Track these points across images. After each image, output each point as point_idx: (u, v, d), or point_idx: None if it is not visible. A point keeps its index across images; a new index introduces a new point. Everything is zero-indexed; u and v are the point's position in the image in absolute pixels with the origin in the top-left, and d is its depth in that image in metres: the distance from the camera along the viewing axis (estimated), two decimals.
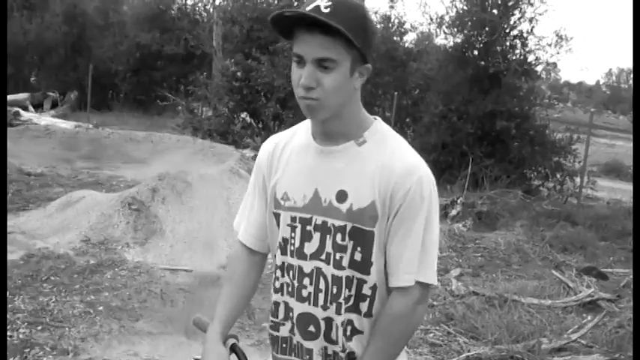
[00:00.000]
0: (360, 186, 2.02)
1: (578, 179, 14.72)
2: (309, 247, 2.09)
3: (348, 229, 2.03)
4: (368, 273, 2.05)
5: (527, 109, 16.10)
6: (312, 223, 2.08)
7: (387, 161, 2.01)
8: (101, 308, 6.02)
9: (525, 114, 15.94)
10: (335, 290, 2.06)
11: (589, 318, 6.84)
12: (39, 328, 5.49)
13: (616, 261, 9.79)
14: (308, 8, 1.88)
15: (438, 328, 6.46)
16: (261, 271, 2.36)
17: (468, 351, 5.81)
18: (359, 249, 2.03)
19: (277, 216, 2.16)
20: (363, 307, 2.08)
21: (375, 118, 2.12)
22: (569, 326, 6.54)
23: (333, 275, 2.06)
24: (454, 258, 9.17)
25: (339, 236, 2.04)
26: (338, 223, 2.04)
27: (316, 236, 2.08)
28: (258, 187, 2.26)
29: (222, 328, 2.19)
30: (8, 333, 5.31)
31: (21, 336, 5.30)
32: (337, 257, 2.05)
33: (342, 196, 2.04)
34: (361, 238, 2.03)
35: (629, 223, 11.53)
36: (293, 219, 2.11)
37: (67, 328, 5.54)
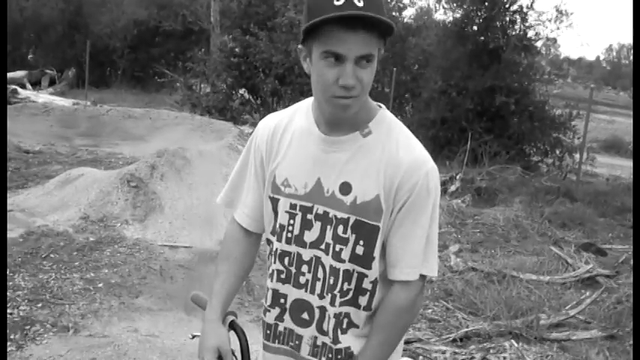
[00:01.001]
0: (364, 179, 1.99)
1: (577, 155, 14.71)
2: (309, 236, 2.07)
3: (351, 222, 2.00)
4: (369, 267, 2.04)
5: (526, 84, 16.08)
6: (313, 212, 2.06)
7: (394, 154, 1.99)
8: (101, 285, 6.03)
9: (525, 90, 15.92)
10: (332, 281, 2.05)
11: (587, 294, 6.86)
12: (39, 305, 5.50)
13: (615, 237, 9.81)
14: (339, 3, 1.80)
15: (436, 303, 6.49)
16: (257, 250, 2.35)
17: (467, 326, 5.83)
18: (361, 243, 2.01)
19: (275, 201, 2.13)
20: (363, 300, 2.07)
21: (380, 106, 2.09)
22: (568, 302, 6.56)
23: (331, 266, 2.04)
24: (453, 234, 9.18)
25: (340, 228, 2.02)
26: (340, 215, 2.01)
27: (317, 225, 2.06)
28: (255, 167, 2.22)
29: (221, 307, 2.19)
30: (8, 310, 5.32)
31: (21, 313, 5.31)
32: (337, 249, 2.03)
33: (346, 188, 2.01)
34: (364, 232, 2.00)
35: (628, 200, 11.54)
36: (293, 206, 2.09)
37: (67, 305, 5.56)
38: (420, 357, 5.23)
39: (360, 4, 1.79)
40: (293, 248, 2.10)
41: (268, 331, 2.19)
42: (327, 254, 2.04)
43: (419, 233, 2.00)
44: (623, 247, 9.08)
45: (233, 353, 2.11)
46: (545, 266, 7.76)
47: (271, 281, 2.17)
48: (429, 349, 5.40)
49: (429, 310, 6.31)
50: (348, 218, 2.00)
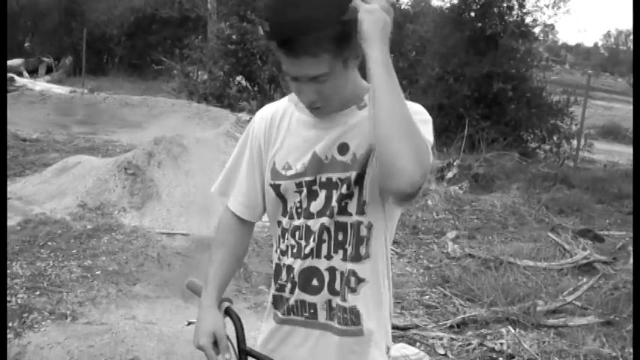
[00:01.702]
0: (360, 135, 2.02)
1: (574, 142, 14.72)
2: (315, 206, 2.10)
3: (353, 177, 2.03)
4: (363, 213, 2.06)
5: (524, 71, 16.07)
6: (317, 182, 2.09)
7: None
8: (98, 273, 6.04)
9: (522, 76, 15.91)
10: (341, 237, 2.08)
11: (584, 280, 6.88)
12: (37, 293, 5.51)
13: (612, 223, 9.82)
14: (278, 28, 1.83)
15: (434, 290, 6.50)
16: (250, 237, 2.38)
17: (464, 313, 5.84)
18: (358, 191, 2.04)
19: (277, 187, 2.15)
20: (362, 249, 2.09)
21: None
22: (565, 288, 6.58)
23: (337, 222, 2.07)
24: (450, 220, 9.19)
25: (344, 187, 2.05)
26: (344, 175, 2.04)
27: (322, 194, 2.09)
28: (251, 156, 2.24)
29: (216, 293, 2.21)
30: (7, 298, 5.33)
31: (19, 301, 5.32)
32: (342, 204, 2.06)
33: (343, 148, 2.04)
34: (361, 182, 2.03)
35: (625, 186, 11.56)
36: (298, 184, 2.11)
37: (64, 293, 5.56)
38: (417, 343, 5.25)
39: (295, 25, 1.80)
40: (301, 222, 2.12)
41: (281, 308, 2.21)
42: (332, 217, 2.07)
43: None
44: (620, 233, 9.09)
45: (228, 338, 2.12)
46: (542, 252, 7.78)
47: (286, 258, 2.18)
48: (426, 335, 5.42)
49: (426, 297, 6.33)
50: (350, 175, 2.03)
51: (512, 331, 5.52)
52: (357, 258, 2.10)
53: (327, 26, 1.81)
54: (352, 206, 2.06)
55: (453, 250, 7.62)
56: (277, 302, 2.24)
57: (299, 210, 2.13)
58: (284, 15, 1.82)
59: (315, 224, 2.10)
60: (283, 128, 2.16)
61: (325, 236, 2.09)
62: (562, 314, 6.02)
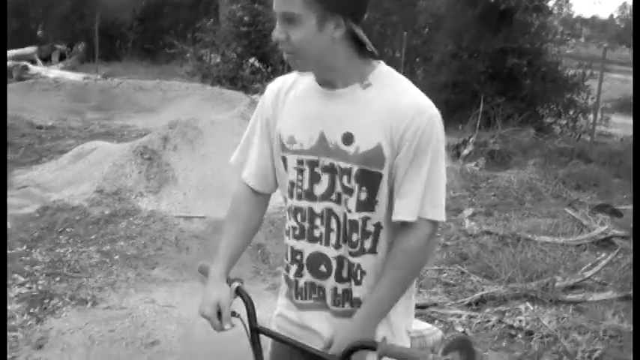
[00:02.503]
0: (366, 128, 2.03)
1: (591, 116, 14.60)
2: (319, 189, 2.11)
3: (354, 171, 2.04)
4: (372, 210, 2.07)
5: (538, 45, 15.95)
6: (320, 165, 2.10)
7: (395, 102, 2.02)
8: (117, 257, 6.08)
9: (537, 51, 15.79)
10: (348, 230, 2.09)
11: (603, 255, 6.84)
12: (57, 279, 5.56)
13: (630, 198, 9.73)
14: None
15: (451, 267, 6.49)
16: (264, 211, 2.39)
17: (482, 290, 5.84)
18: (364, 189, 2.05)
19: (285, 159, 2.17)
20: (367, 243, 2.10)
21: (378, 62, 2.10)
22: (583, 264, 6.54)
23: (345, 215, 2.09)
24: (467, 197, 9.17)
25: (345, 178, 2.06)
26: (344, 165, 2.05)
27: (325, 177, 2.10)
28: (262, 128, 2.26)
29: (225, 267, 2.24)
30: (27, 285, 5.38)
31: (40, 287, 5.37)
32: (345, 198, 2.07)
33: (348, 138, 2.05)
34: (368, 180, 2.04)
35: None
36: (300, 162, 2.13)
37: (84, 278, 5.61)
38: (436, 321, 5.25)
39: None
40: (304, 203, 2.14)
41: (291, 289, 2.24)
42: (339, 204, 2.09)
43: (421, 177, 2.02)
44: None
45: (239, 316, 2.16)
46: (559, 228, 7.74)
47: (288, 239, 2.22)
48: (445, 313, 5.43)
49: (444, 275, 6.32)
50: (351, 168, 2.05)
51: (531, 307, 5.51)
52: (361, 252, 2.11)
53: None
54: (352, 202, 2.07)
55: (470, 228, 7.61)
56: (287, 285, 2.27)
57: (299, 191, 2.14)
58: None
59: (318, 207, 2.12)
60: (289, 98, 2.18)
61: (334, 224, 2.11)
62: (581, 290, 5.99)
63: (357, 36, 2.01)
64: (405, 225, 2.06)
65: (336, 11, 1.95)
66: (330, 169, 2.08)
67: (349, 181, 2.05)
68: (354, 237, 2.09)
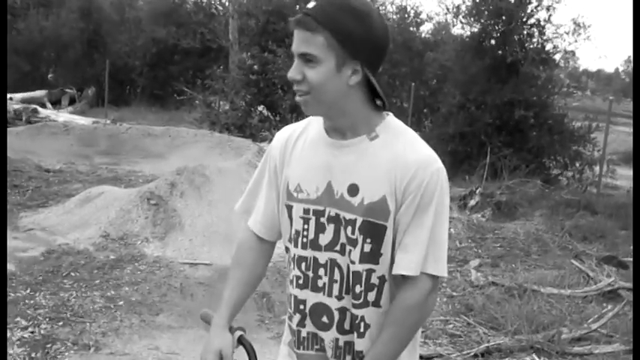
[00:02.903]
0: (371, 180, 2.03)
1: (597, 168, 14.62)
2: (324, 239, 2.11)
3: (358, 223, 2.04)
4: (377, 263, 2.07)
5: (545, 97, 16.04)
6: (326, 215, 2.10)
7: (401, 154, 2.02)
8: (121, 303, 6.06)
9: (544, 103, 15.87)
10: (351, 281, 2.09)
11: (609, 307, 6.80)
12: (60, 323, 5.53)
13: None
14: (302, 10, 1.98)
15: (457, 318, 6.45)
16: (269, 258, 2.38)
17: (488, 341, 5.79)
18: (369, 241, 2.05)
19: (290, 208, 2.17)
20: (371, 296, 2.09)
21: (387, 114, 2.12)
22: (590, 316, 6.51)
23: (348, 266, 2.08)
24: (473, 248, 9.15)
25: (349, 229, 2.06)
26: (349, 216, 2.05)
27: (330, 228, 2.10)
28: (269, 176, 2.26)
29: (229, 315, 2.23)
30: (30, 329, 5.35)
31: (42, 331, 5.34)
32: (348, 250, 2.07)
33: (353, 189, 2.05)
34: (372, 232, 2.04)
35: None
36: (306, 211, 2.13)
37: (88, 324, 5.59)
38: None
39: (310, 6, 1.95)
40: (309, 253, 2.13)
41: (294, 338, 2.23)
42: (343, 255, 2.09)
43: (424, 231, 2.02)
44: None
45: None
46: (566, 280, 7.70)
47: (292, 288, 2.21)
48: None
49: (450, 325, 6.28)
50: (356, 220, 2.04)
51: (537, 359, 5.46)
52: (365, 304, 2.10)
53: (338, 15, 1.94)
54: (355, 254, 2.06)
55: (476, 279, 7.57)
56: (290, 330, 2.26)
57: (304, 240, 2.14)
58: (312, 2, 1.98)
59: (322, 257, 2.12)
60: (298, 147, 2.18)
61: (337, 276, 2.11)
62: (587, 342, 5.94)
63: (371, 85, 2.02)
64: (405, 279, 2.05)
65: (355, 57, 1.96)
66: (336, 220, 2.08)
67: (353, 233, 2.05)
68: (358, 289, 2.08)
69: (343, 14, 1.92)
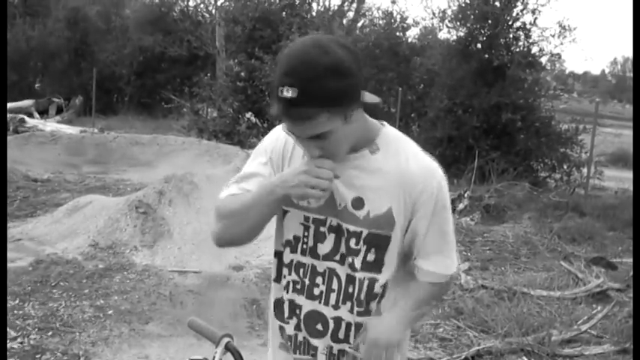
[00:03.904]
0: (376, 193, 2.05)
1: (585, 170, 14.68)
2: (323, 248, 2.11)
3: (363, 235, 2.06)
4: (379, 272, 2.10)
5: (532, 100, 16.08)
6: (327, 225, 2.10)
7: (404, 167, 2.04)
8: (111, 312, 6.03)
9: (530, 106, 15.92)
10: (350, 290, 2.10)
11: (599, 308, 6.83)
12: (49, 333, 5.51)
13: (625, 250, 9.75)
14: (280, 94, 1.83)
15: (447, 322, 6.46)
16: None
17: (478, 345, 5.80)
18: (372, 251, 2.07)
19: (284, 212, 2.16)
20: (373, 305, 2.12)
21: (382, 124, 2.12)
22: (579, 317, 6.53)
23: (347, 275, 2.09)
24: (462, 252, 9.16)
25: (352, 241, 2.07)
26: (353, 228, 2.06)
27: (330, 237, 2.10)
28: (270, 163, 2.18)
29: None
30: (19, 340, 5.33)
31: (32, 342, 5.32)
32: (350, 260, 2.08)
33: (358, 202, 2.06)
34: (376, 242, 2.07)
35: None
36: (306, 219, 2.12)
37: (77, 333, 5.56)
38: None
39: (289, 95, 1.81)
40: (308, 260, 2.14)
41: (289, 343, 2.23)
42: (343, 264, 2.10)
43: (441, 239, 2.12)
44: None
45: None
46: (555, 282, 7.73)
47: (287, 293, 2.20)
48: None
49: (440, 329, 6.29)
50: (361, 232, 2.06)
51: None
52: (366, 313, 2.12)
53: (329, 91, 1.82)
54: (358, 263, 2.08)
55: (465, 282, 7.58)
56: (282, 332, 2.25)
57: (304, 247, 2.14)
58: (281, 92, 1.82)
59: (321, 266, 2.12)
60: (298, 152, 2.12)
61: (335, 285, 2.11)
62: (577, 343, 5.97)
63: (367, 103, 1.99)
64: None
65: (353, 102, 1.91)
66: (337, 230, 2.09)
67: (357, 244, 2.07)
68: (359, 296, 2.10)
69: (325, 81, 1.81)
